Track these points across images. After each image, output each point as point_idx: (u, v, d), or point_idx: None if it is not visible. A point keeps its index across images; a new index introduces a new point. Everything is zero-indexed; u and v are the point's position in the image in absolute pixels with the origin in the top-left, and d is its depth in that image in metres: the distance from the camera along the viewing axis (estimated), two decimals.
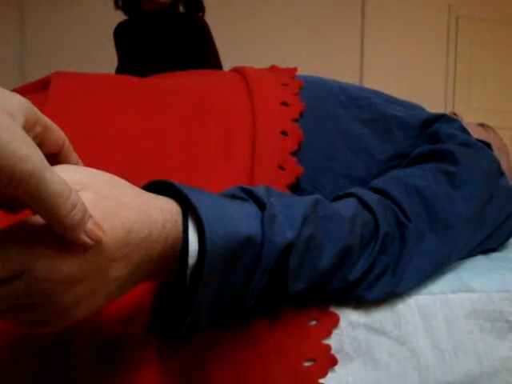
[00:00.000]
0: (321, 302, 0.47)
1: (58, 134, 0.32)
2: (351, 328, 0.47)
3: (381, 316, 0.48)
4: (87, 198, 0.29)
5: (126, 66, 1.64)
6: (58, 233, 0.26)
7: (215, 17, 1.81)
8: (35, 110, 0.29)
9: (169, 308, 0.41)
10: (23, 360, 0.37)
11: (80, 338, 0.38)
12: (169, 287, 0.42)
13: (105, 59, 2.12)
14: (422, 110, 0.74)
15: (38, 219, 0.27)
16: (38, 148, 0.24)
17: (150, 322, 0.40)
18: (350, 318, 0.47)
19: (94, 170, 0.32)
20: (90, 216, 0.27)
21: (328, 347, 0.45)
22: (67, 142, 0.34)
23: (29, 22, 2.74)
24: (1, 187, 0.23)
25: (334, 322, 0.46)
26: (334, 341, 0.46)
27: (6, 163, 0.22)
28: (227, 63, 1.63)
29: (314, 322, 0.45)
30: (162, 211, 0.34)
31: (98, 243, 0.28)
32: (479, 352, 0.50)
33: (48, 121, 0.31)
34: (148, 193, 0.35)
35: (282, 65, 0.74)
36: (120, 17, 1.69)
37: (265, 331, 0.43)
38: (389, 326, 0.48)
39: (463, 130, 0.66)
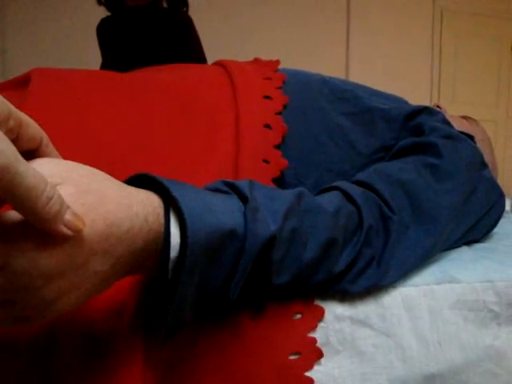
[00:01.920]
0: (305, 296, 0.47)
1: (35, 129, 0.32)
2: (336, 321, 0.47)
3: (366, 308, 0.49)
4: (67, 192, 0.28)
5: (109, 62, 1.62)
6: (36, 226, 0.26)
7: (199, 11, 1.79)
8: (7, 103, 0.28)
9: (153, 302, 0.41)
10: (6, 360, 0.37)
11: (65, 335, 0.38)
12: (154, 281, 0.42)
13: (88, 58, 2.09)
14: (406, 102, 0.74)
15: (16, 213, 0.27)
16: (9, 142, 0.24)
17: (136, 317, 0.40)
18: (335, 311, 0.47)
19: (74, 163, 0.32)
20: (68, 207, 0.27)
21: (313, 340, 0.45)
22: (46, 138, 0.33)
23: (10, 22, 2.69)
24: None
25: (319, 315, 0.46)
26: (319, 334, 0.46)
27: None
28: (211, 56, 1.63)
29: (298, 316, 0.45)
30: (144, 204, 0.33)
31: (78, 233, 0.28)
32: (463, 342, 0.50)
33: (24, 116, 0.30)
34: (129, 186, 0.35)
35: (266, 57, 0.73)
36: (103, 14, 1.67)
37: (250, 325, 0.43)
38: (374, 318, 0.48)
39: (446, 122, 0.66)
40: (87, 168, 0.32)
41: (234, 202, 0.39)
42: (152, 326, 0.40)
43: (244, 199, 0.40)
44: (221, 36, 2.81)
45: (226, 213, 0.37)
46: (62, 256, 0.28)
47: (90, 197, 0.30)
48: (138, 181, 0.38)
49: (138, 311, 0.40)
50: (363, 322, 0.48)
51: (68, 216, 0.27)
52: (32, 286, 0.27)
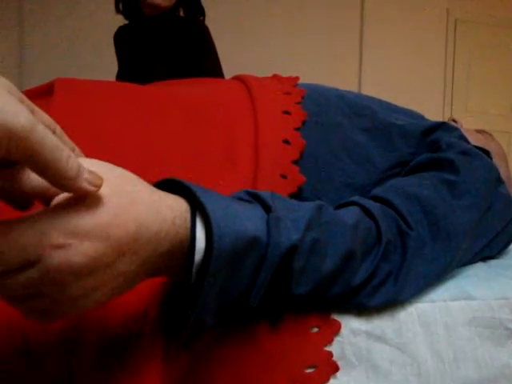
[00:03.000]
0: (322, 310, 0.47)
1: (47, 119, 0.33)
2: (353, 335, 0.48)
3: (382, 323, 0.49)
4: (101, 192, 0.30)
5: (126, 70, 1.65)
6: (60, 187, 0.27)
7: (214, 21, 1.80)
8: (18, 91, 0.29)
9: (175, 307, 0.42)
10: (25, 363, 0.38)
11: (85, 338, 0.39)
12: (175, 287, 0.43)
13: (104, 61, 2.12)
14: (422, 118, 0.74)
15: (51, 210, 0.28)
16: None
17: (157, 322, 0.41)
18: (351, 325, 0.48)
19: (108, 165, 0.33)
20: (83, 166, 0.28)
21: (329, 354, 0.45)
22: (59, 129, 0.34)
23: (28, 25, 2.74)
24: (1, 150, 0.23)
25: (336, 329, 0.47)
26: (335, 348, 0.46)
27: (4, 122, 0.23)
28: (225, 66, 1.64)
29: (315, 329, 0.46)
30: (172, 208, 0.34)
31: (99, 188, 0.29)
32: (478, 359, 0.50)
33: (35, 106, 0.31)
34: (159, 190, 0.36)
35: (280, 70, 0.74)
36: (120, 19, 1.69)
37: (267, 338, 0.44)
38: (390, 333, 0.49)
39: (463, 138, 0.67)
40: (120, 170, 0.33)
41: (257, 211, 0.40)
42: (173, 331, 0.41)
43: (267, 208, 0.40)
44: (235, 46, 2.82)
45: (249, 220, 0.38)
46: (94, 254, 0.29)
47: (123, 198, 0.31)
48: (166, 185, 0.39)
49: (159, 316, 0.41)
50: (379, 337, 0.48)
51: (86, 174, 0.28)
52: (62, 281, 0.28)
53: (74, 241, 0.28)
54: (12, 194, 0.31)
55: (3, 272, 0.27)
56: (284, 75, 0.76)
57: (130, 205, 0.31)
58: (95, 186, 0.28)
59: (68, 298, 0.29)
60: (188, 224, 0.35)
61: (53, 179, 0.26)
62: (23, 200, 0.32)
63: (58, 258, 0.27)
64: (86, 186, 0.28)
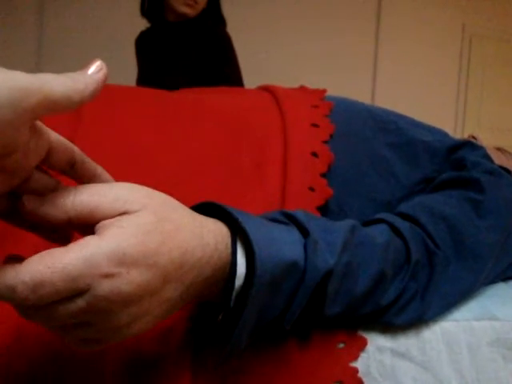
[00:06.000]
0: (349, 326, 0.47)
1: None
2: (378, 352, 0.48)
3: (407, 341, 0.49)
4: (147, 220, 0.30)
5: (146, 75, 1.65)
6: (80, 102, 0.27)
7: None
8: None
9: (206, 328, 0.42)
10: (54, 378, 0.38)
11: (114, 355, 0.39)
12: (204, 307, 0.43)
13: (123, 57, 2.13)
14: (446, 135, 0.74)
15: (98, 238, 0.28)
16: None
17: (184, 337, 0.41)
18: (377, 342, 0.48)
19: (151, 190, 0.33)
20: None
21: (355, 370, 0.46)
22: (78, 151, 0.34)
23: (47, 18, 2.77)
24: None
25: (362, 345, 0.47)
26: (361, 364, 0.46)
27: (40, 95, 0.24)
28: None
29: (342, 345, 0.46)
30: (214, 233, 0.35)
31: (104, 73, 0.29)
32: (502, 380, 0.50)
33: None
34: (199, 215, 0.36)
35: (295, 79, 0.74)
36: (139, 14, 1.71)
37: (295, 353, 0.44)
38: (414, 351, 0.49)
39: (487, 157, 0.67)
40: (163, 196, 0.34)
41: (294, 234, 0.40)
42: (200, 349, 0.41)
43: (304, 231, 0.41)
44: (248, 53, 2.83)
45: (288, 245, 0.38)
46: (141, 283, 0.29)
47: (168, 225, 0.31)
48: (203, 208, 0.39)
49: (186, 331, 0.41)
50: (404, 355, 0.48)
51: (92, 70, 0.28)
52: (110, 310, 0.28)
53: (122, 269, 0.28)
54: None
55: (51, 302, 0.27)
56: (298, 84, 0.77)
57: (174, 231, 0.31)
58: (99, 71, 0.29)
59: (114, 326, 0.29)
60: (229, 249, 0.35)
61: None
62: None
63: (106, 287, 0.27)
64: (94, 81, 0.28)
